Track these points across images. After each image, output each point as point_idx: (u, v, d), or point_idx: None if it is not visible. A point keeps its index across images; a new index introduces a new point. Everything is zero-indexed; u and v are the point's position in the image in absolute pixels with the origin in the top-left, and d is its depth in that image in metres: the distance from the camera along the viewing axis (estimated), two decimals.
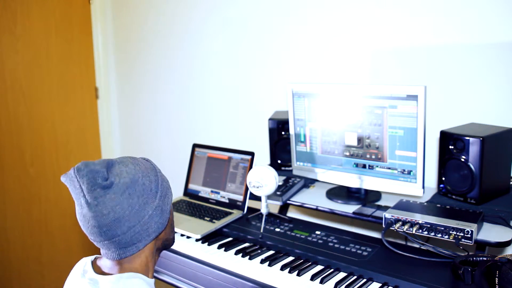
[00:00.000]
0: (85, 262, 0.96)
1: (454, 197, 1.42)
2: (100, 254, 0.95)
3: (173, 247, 1.47)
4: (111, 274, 0.89)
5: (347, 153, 1.55)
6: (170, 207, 0.95)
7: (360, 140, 1.51)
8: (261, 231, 1.52)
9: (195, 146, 1.87)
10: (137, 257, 0.90)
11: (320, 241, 1.43)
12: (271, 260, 1.34)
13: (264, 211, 1.54)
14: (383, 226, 1.32)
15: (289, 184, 1.66)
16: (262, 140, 2.14)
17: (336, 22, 1.88)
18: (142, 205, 0.87)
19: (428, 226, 1.24)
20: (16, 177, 2.56)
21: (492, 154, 1.34)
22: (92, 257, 0.96)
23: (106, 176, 0.84)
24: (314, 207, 1.55)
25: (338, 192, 1.62)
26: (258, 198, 1.57)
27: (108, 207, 0.83)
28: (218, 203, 1.73)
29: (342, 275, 1.26)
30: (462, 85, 1.62)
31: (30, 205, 2.63)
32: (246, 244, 1.48)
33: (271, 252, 1.42)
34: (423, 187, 1.40)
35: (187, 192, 1.85)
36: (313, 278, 1.23)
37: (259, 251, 1.42)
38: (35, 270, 2.67)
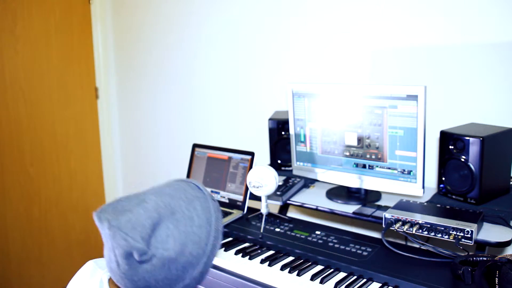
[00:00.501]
0: (101, 278, 0.87)
1: (454, 197, 1.42)
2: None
3: None
4: None
5: (347, 153, 1.55)
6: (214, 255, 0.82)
7: (360, 140, 1.51)
8: (261, 231, 1.52)
9: (195, 146, 1.87)
10: None
11: (320, 241, 1.43)
12: (271, 260, 1.34)
13: (264, 211, 1.54)
14: (383, 226, 1.32)
15: (289, 184, 1.66)
16: (262, 140, 2.14)
17: (336, 22, 1.88)
18: (181, 274, 0.76)
19: (428, 226, 1.24)
20: (16, 177, 2.56)
21: (492, 154, 1.34)
22: (107, 274, 0.87)
23: (145, 250, 0.72)
24: (314, 207, 1.55)
25: (338, 192, 1.62)
26: (258, 198, 1.57)
27: (139, 276, 0.74)
28: (218, 203, 1.73)
29: (342, 275, 1.26)
30: (462, 85, 1.62)
31: (30, 205, 2.63)
32: (246, 244, 1.48)
33: (271, 252, 1.42)
34: (423, 187, 1.40)
35: None
36: (313, 278, 1.23)
37: (259, 251, 1.42)
38: (35, 270, 2.67)
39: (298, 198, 1.61)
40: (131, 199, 0.77)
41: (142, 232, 0.71)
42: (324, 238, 1.45)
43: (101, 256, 0.94)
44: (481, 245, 1.28)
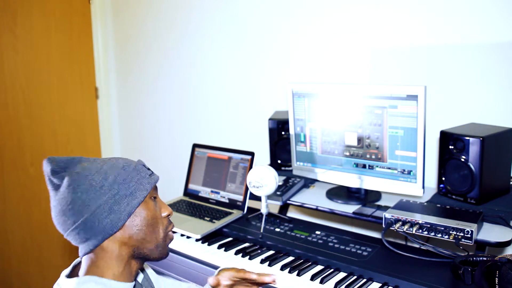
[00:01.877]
0: (74, 263, 0.97)
1: (454, 197, 1.42)
2: None
3: (173, 247, 1.47)
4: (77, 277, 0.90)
5: (347, 153, 1.55)
6: (131, 211, 0.88)
7: (360, 140, 1.51)
8: (261, 231, 1.52)
9: (195, 146, 1.87)
10: (100, 259, 0.89)
11: (320, 241, 1.43)
12: (271, 260, 1.34)
13: (264, 211, 1.53)
14: (383, 226, 1.32)
15: (289, 184, 1.66)
16: (262, 140, 2.14)
17: (336, 22, 1.89)
18: (87, 202, 0.85)
19: (428, 226, 1.24)
20: (16, 177, 2.56)
21: (492, 154, 1.34)
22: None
23: (59, 173, 0.89)
24: (314, 207, 1.55)
25: (338, 192, 1.62)
26: (258, 198, 1.57)
27: (55, 201, 0.88)
28: (218, 203, 1.73)
29: (342, 275, 1.26)
30: (462, 85, 1.62)
31: (30, 205, 2.63)
32: (246, 244, 1.48)
33: (271, 252, 1.42)
34: (423, 187, 1.40)
35: (187, 192, 1.85)
36: (313, 278, 1.23)
37: (259, 251, 1.42)
38: (35, 270, 2.67)
39: (298, 198, 1.61)
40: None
41: (63, 162, 0.91)
42: (324, 238, 1.45)
43: None
44: (481, 245, 1.28)
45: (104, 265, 0.88)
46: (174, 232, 1.00)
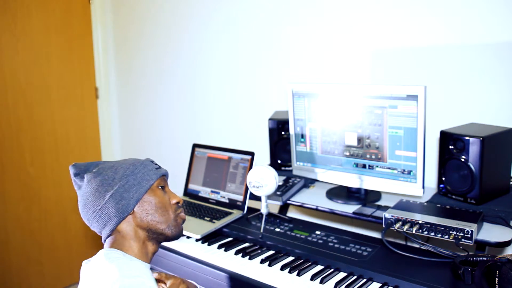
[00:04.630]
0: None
1: (454, 197, 1.42)
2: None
3: (173, 247, 1.48)
4: None
5: (347, 153, 1.55)
6: (139, 197, 1.02)
7: (360, 140, 1.51)
8: (261, 231, 1.52)
9: (195, 146, 1.87)
10: (120, 240, 1.02)
11: (320, 241, 1.43)
12: (271, 260, 1.34)
13: (264, 211, 1.54)
14: (383, 226, 1.32)
15: (289, 184, 1.66)
16: (262, 140, 2.14)
17: (336, 22, 1.89)
18: (103, 193, 1.00)
19: (428, 226, 1.24)
20: (16, 177, 2.56)
21: (492, 154, 1.34)
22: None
23: (80, 174, 1.05)
24: (314, 207, 1.55)
25: (338, 192, 1.62)
26: (258, 198, 1.57)
27: (79, 197, 1.04)
28: (218, 203, 1.73)
29: (342, 275, 1.26)
30: (462, 85, 1.62)
31: (30, 205, 2.63)
32: (246, 244, 1.48)
33: (271, 252, 1.42)
34: (423, 187, 1.40)
35: (187, 192, 1.85)
36: (313, 278, 1.23)
37: (259, 251, 1.42)
38: (35, 270, 2.67)
39: (298, 198, 1.61)
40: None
41: (86, 165, 1.07)
42: (324, 238, 1.45)
43: None
44: (481, 245, 1.28)
45: (123, 245, 1.01)
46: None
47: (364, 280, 1.23)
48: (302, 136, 1.65)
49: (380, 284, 1.20)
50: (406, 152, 1.40)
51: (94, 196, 1.00)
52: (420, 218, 1.26)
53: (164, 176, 1.10)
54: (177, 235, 1.08)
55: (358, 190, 1.57)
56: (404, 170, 1.42)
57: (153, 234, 1.04)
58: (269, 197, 1.56)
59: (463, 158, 1.35)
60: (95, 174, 1.02)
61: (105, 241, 1.04)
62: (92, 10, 2.81)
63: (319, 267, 1.31)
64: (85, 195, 1.02)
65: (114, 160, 1.09)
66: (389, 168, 1.46)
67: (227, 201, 1.71)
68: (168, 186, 1.12)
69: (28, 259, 2.63)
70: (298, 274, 1.26)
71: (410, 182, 1.42)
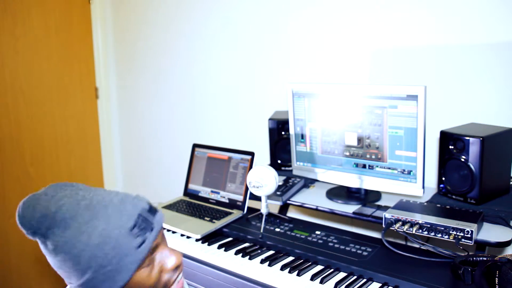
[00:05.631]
0: None
1: (454, 197, 1.42)
2: None
3: (173, 247, 1.47)
4: None
5: (347, 153, 1.55)
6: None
7: (360, 140, 1.51)
8: (261, 231, 1.52)
9: (195, 146, 1.87)
10: None
11: (320, 241, 1.43)
12: (271, 260, 1.34)
13: (264, 211, 1.54)
14: (383, 226, 1.32)
15: (289, 184, 1.66)
16: (262, 140, 2.14)
17: (336, 22, 1.89)
18: (71, 274, 0.76)
19: (428, 226, 1.24)
20: (16, 177, 2.56)
21: (492, 154, 1.34)
22: None
23: (36, 233, 0.78)
24: (314, 207, 1.55)
25: (338, 192, 1.62)
26: (258, 198, 1.57)
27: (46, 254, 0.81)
28: (218, 203, 1.73)
29: (342, 275, 1.26)
30: (462, 85, 1.62)
31: None
32: (246, 244, 1.48)
33: (271, 252, 1.42)
34: (423, 187, 1.40)
35: (187, 192, 1.85)
36: (313, 278, 1.23)
37: (259, 251, 1.42)
38: (35, 270, 2.67)
39: (298, 198, 1.61)
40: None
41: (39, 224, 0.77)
42: (324, 238, 1.45)
43: None
44: (481, 245, 1.27)
45: None
46: (175, 254, 0.86)
47: (364, 280, 1.23)
48: (302, 136, 1.66)
49: (380, 284, 1.20)
50: (406, 152, 1.40)
51: (63, 271, 0.77)
52: (420, 218, 1.26)
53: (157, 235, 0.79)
54: None
55: (358, 190, 1.57)
56: (404, 170, 1.42)
57: None
58: (269, 197, 1.56)
59: (463, 158, 1.35)
60: (53, 251, 0.75)
61: None
62: (92, 10, 2.81)
63: (319, 267, 1.31)
64: (55, 265, 0.79)
65: (67, 203, 0.76)
66: (389, 168, 1.46)
67: (227, 201, 1.71)
68: (164, 240, 0.84)
69: (28, 259, 2.63)
70: (298, 274, 1.26)
71: (410, 182, 1.42)
